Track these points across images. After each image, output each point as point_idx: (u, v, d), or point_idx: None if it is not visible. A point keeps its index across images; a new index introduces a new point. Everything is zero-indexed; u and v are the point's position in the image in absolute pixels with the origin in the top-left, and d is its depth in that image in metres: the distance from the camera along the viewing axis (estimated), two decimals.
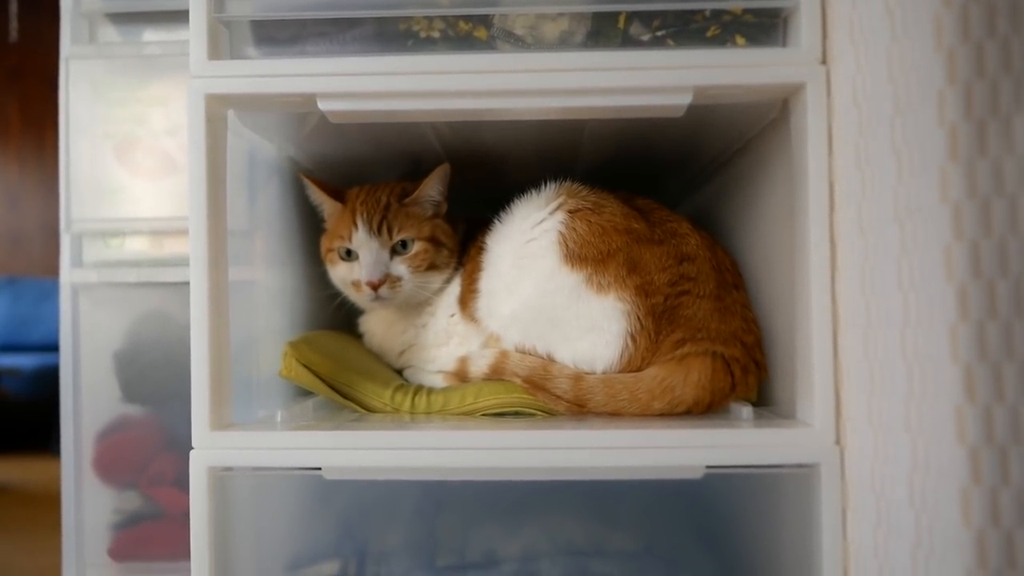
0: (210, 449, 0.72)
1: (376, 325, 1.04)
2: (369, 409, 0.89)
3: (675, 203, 0.98)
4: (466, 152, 1.01)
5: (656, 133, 0.94)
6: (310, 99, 0.73)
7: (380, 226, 0.94)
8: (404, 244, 0.96)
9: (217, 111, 0.75)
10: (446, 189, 0.99)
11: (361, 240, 0.94)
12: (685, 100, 0.72)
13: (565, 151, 1.04)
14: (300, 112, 0.79)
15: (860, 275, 0.64)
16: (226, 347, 0.75)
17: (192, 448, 0.72)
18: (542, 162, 1.05)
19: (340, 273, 0.98)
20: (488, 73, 0.72)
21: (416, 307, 1.00)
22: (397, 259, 0.95)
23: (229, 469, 0.73)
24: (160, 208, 1.11)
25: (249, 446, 0.72)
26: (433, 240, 0.97)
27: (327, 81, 0.73)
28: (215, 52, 0.74)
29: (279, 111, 0.81)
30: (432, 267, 0.97)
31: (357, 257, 0.95)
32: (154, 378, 1.11)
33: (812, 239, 0.70)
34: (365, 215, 0.95)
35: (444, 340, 0.99)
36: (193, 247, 0.73)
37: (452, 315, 0.99)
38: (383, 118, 0.76)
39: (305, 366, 0.87)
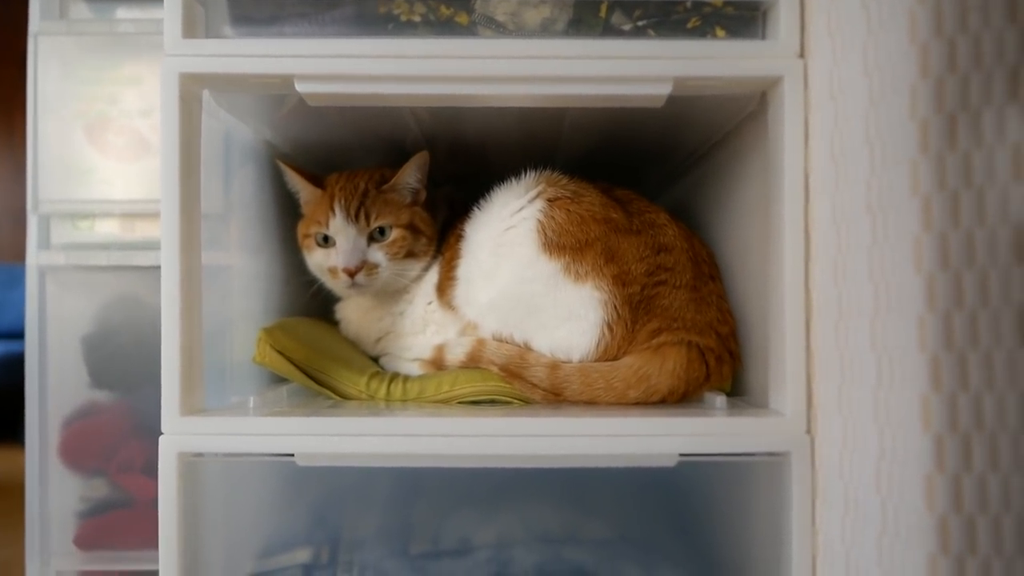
0: (180, 435, 0.71)
1: (352, 312, 1.03)
2: (344, 396, 0.89)
3: (654, 195, 0.98)
4: (446, 139, 1.01)
5: (636, 124, 0.94)
6: (287, 80, 0.72)
7: (358, 212, 0.94)
8: (382, 231, 0.95)
9: (192, 91, 0.74)
10: (425, 177, 0.99)
11: (338, 226, 0.94)
12: (665, 90, 0.73)
13: (545, 141, 1.04)
14: (277, 94, 0.78)
15: (833, 266, 0.65)
16: (198, 331, 0.74)
17: (162, 434, 0.71)
18: (522, 151, 1.05)
19: (317, 259, 0.97)
20: (468, 58, 0.72)
21: (393, 295, 1.00)
22: (375, 246, 0.95)
23: (200, 455, 0.72)
24: (132, 190, 1.09)
25: (221, 432, 0.72)
26: (411, 227, 0.96)
27: (305, 62, 0.72)
28: (190, 30, 0.72)
29: (256, 92, 0.80)
30: (410, 255, 0.97)
31: (334, 243, 0.95)
32: (123, 363, 1.09)
33: (787, 231, 0.71)
34: (343, 201, 0.94)
35: (421, 328, 0.99)
36: (165, 230, 0.72)
37: (429, 303, 0.99)
38: (361, 101, 0.75)
39: (280, 352, 0.87)
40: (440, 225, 1.02)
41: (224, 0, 0.74)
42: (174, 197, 0.72)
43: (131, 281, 1.10)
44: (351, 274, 0.92)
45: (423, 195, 1.00)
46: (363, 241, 0.94)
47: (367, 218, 0.94)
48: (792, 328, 0.71)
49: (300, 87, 0.73)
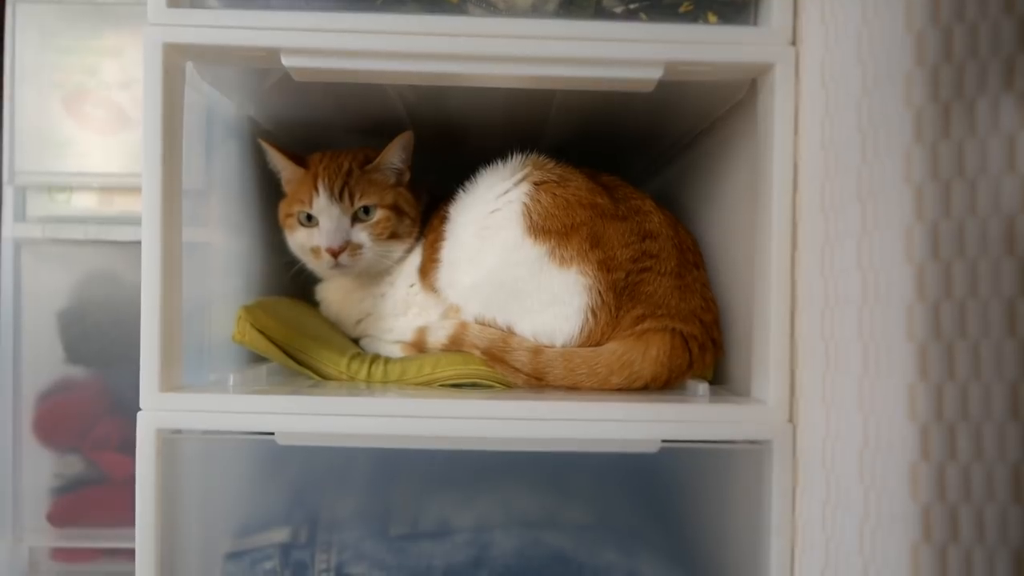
0: (159, 411, 0.70)
1: (334, 293, 1.02)
2: (324, 377, 0.88)
3: (639, 182, 0.98)
4: (432, 120, 0.99)
5: (624, 110, 0.94)
6: (274, 54, 0.71)
7: (342, 192, 0.93)
8: (366, 211, 0.94)
9: (175, 62, 0.72)
10: (409, 157, 0.97)
11: (322, 206, 0.92)
12: (656, 74, 0.72)
13: (532, 124, 1.03)
14: (262, 68, 0.76)
15: (820, 255, 0.65)
16: (177, 308, 0.73)
17: (140, 410, 0.70)
18: (508, 134, 1.04)
19: (299, 239, 0.96)
20: (458, 36, 0.71)
21: (375, 276, 0.99)
22: (358, 226, 0.94)
23: (178, 432, 0.71)
24: (111, 163, 1.07)
25: (200, 408, 0.70)
26: (395, 208, 0.95)
27: (292, 36, 0.70)
28: None
29: (241, 65, 0.78)
30: (394, 236, 0.96)
31: (317, 223, 0.93)
32: (100, 339, 1.08)
33: (774, 219, 0.71)
34: (327, 180, 0.93)
35: (403, 310, 0.98)
36: (146, 205, 0.70)
37: (412, 285, 0.98)
38: (348, 78, 0.74)
39: (259, 331, 0.85)
40: (423, 208, 1.01)
41: None
42: (156, 171, 0.70)
43: (108, 256, 1.08)
44: (335, 254, 0.91)
45: (407, 176, 0.99)
46: (347, 221, 0.93)
47: (351, 198, 0.93)
48: (776, 316, 0.71)
49: (286, 61, 0.71)
